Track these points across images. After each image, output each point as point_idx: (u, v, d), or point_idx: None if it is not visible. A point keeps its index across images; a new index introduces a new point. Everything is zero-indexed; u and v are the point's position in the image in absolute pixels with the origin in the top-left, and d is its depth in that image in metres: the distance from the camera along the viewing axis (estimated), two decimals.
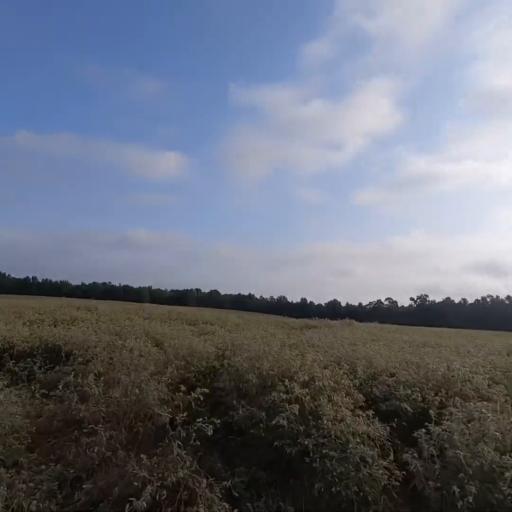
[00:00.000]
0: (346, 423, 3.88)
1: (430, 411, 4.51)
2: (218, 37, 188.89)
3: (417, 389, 5.22)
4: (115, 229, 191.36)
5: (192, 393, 4.37)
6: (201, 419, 3.88)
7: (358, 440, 3.74)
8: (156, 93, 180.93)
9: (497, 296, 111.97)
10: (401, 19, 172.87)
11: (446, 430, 3.69)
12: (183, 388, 4.60)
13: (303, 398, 4.34)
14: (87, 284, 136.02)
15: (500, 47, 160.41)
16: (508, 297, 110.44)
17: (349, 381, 5.30)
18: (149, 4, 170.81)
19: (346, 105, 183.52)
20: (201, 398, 4.42)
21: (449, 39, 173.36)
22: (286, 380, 4.76)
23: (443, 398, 5.12)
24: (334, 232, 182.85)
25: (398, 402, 5.08)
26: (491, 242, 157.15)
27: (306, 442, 3.74)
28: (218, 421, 3.92)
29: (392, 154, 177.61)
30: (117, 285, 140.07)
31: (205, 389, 4.40)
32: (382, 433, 3.99)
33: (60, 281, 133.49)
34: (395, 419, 4.66)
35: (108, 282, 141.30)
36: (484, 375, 5.95)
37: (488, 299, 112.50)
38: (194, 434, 3.83)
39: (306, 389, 4.56)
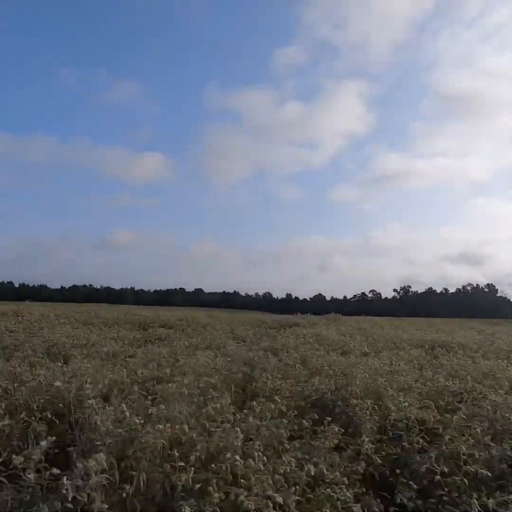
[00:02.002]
0: None
1: None
2: (192, 43, 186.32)
3: None
4: (95, 232, 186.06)
5: None
6: None
7: None
8: (132, 95, 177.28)
9: (477, 284, 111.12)
10: (366, 31, 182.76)
11: None
12: None
13: None
14: (67, 287, 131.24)
15: (455, 55, 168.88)
16: (487, 285, 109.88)
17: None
18: (127, 9, 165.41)
19: (320, 107, 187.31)
20: None
21: (411, 48, 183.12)
22: None
23: None
24: (315, 227, 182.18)
25: None
26: (467, 232, 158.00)
27: None
28: None
29: (366, 153, 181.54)
30: (99, 287, 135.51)
31: None
32: None
33: (39, 286, 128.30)
34: None
35: (89, 285, 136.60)
36: None
37: (469, 288, 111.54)
38: None
39: None
